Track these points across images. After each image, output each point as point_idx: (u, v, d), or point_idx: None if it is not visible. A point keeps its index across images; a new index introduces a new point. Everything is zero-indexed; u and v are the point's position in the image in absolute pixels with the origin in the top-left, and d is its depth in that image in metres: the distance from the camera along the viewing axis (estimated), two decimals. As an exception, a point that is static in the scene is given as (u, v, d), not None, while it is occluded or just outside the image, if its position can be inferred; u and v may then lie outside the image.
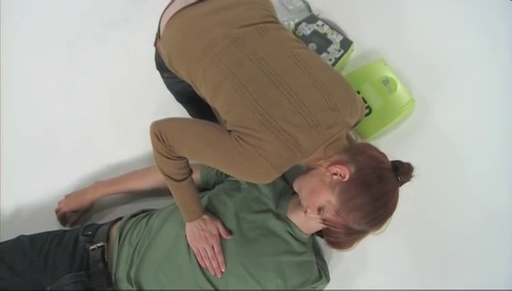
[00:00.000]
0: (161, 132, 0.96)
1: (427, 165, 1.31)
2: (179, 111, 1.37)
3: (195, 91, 1.06)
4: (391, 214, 0.91)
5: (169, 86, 1.26)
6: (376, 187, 0.88)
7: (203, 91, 0.99)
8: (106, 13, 1.65)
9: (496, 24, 1.49)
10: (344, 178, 0.89)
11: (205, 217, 1.07)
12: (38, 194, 1.41)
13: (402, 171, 0.92)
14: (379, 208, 0.89)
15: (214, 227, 1.07)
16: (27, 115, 1.53)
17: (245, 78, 0.91)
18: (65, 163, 1.44)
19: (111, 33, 1.63)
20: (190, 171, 1.06)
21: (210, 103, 1.00)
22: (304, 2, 1.54)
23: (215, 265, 1.04)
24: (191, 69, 0.99)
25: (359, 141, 1.28)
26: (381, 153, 0.95)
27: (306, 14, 1.51)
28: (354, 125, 1.05)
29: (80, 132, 1.50)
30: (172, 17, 1.01)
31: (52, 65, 1.61)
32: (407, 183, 0.96)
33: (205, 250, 1.04)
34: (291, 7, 1.52)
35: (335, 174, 0.90)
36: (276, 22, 1.05)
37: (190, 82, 1.04)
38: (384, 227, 0.92)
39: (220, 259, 1.04)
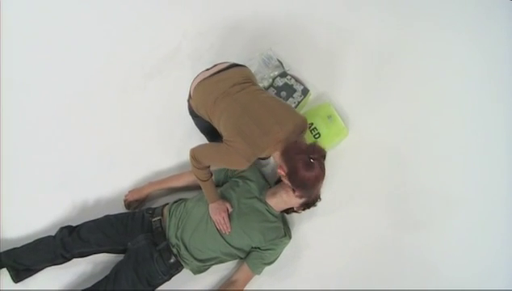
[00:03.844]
0: (194, 154, 1.60)
1: (356, 167, 2.01)
2: (198, 136, 1.95)
3: (213, 127, 1.69)
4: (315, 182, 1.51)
5: (197, 124, 1.89)
6: (301, 173, 1.47)
7: (214, 122, 1.62)
8: (145, 67, 2.22)
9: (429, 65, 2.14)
10: (284, 173, 1.52)
11: (220, 201, 1.69)
12: (111, 190, 2.00)
13: (312, 152, 1.47)
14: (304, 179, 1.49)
15: (225, 207, 1.69)
16: (104, 140, 2.10)
17: (232, 112, 1.54)
18: (127, 171, 2.03)
19: (150, 82, 2.19)
20: (211, 175, 1.69)
21: (217, 128, 1.61)
22: (279, 61, 2.15)
23: (225, 228, 1.67)
24: (209, 112, 1.63)
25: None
26: (302, 144, 1.51)
27: (280, 70, 2.12)
28: (302, 131, 1.63)
29: (134, 151, 2.07)
30: (197, 85, 1.66)
31: (109, 107, 2.17)
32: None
33: (219, 219, 1.67)
34: (270, 65, 2.13)
35: (281, 172, 1.53)
36: (254, 83, 1.67)
37: (208, 120, 1.67)
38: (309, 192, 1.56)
39: (228, 224, 1.68)
